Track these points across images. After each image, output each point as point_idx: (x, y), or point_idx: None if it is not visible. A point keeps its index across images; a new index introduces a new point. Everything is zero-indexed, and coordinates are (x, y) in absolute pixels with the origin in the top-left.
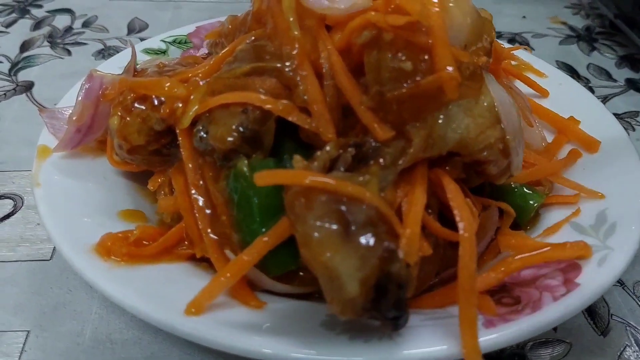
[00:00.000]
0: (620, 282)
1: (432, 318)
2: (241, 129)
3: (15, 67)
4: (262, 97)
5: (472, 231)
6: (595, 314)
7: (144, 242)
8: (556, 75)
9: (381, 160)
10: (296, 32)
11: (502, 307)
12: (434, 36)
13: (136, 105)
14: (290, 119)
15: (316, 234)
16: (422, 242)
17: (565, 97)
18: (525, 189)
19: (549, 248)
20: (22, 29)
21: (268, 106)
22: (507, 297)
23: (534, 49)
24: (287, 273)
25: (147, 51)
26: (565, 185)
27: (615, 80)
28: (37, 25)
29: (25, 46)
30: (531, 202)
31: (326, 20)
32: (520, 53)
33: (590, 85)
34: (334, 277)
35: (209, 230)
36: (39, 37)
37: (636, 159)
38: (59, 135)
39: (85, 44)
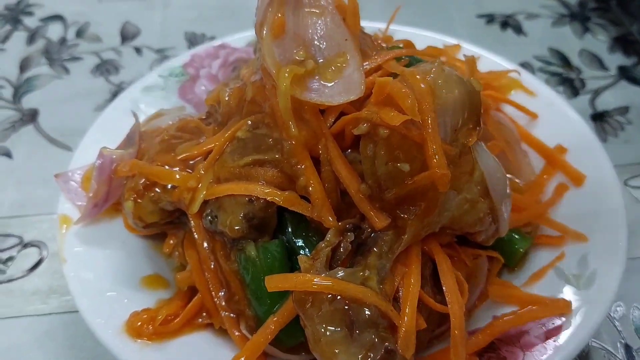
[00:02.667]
0: None
1: None
2: (248, 218)
3: (18, 92)
4: (266, 190)
5: (462, 310)
6: None
7: (169, 317)
8: (545, 94)
9: (377, 249)
10: (294, 131)
11: None
12: (426, 132)
13: (147, 189)
14: (293, 209)
15: (325, 334)
16: (418, 318)
17: (554, 120)
18: (513, 235)
19: (532, 308)
20: (18, 44)
21: (272, 198)
22: (494, 357)
23: (527, 34)
24: (298, 344)
25: (146, 89)
26: (552, 227)
27: (606, 69)
28: (32, 38)
29: (24, 66)
30: (518, 246)
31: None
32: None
33: (581, 77)
34: None
35: (224, 304)
36: (36, 54)
37: (618, 194)
38: (75, 199)
39: (81, 58)
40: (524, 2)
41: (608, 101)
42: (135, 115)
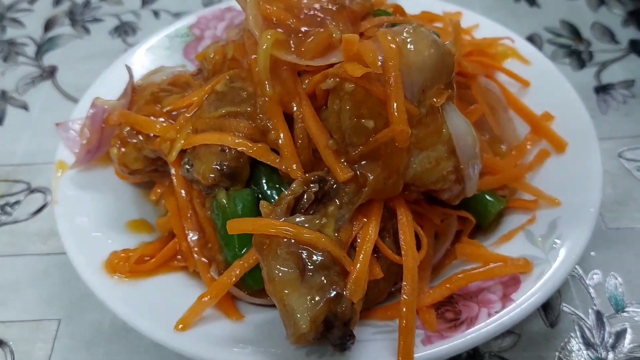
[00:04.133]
0: (576, 274)
1: (381, 332)
2: (220, 166)
3: (41, 50)
4: (237, 140)
5: (415, 262)
6: (546, 304)
7: (145, 257)
8: (540, 63)
9: (338, 200)
10: (269, 90)
11: (443, 322)
12: (389, 89)
13: (132, 137)
14: (262, 160)
15: (277, 275)
16: (375, 266)
17: (546, 89)
18: (486, 196)
19: (492, 265)
20: (45, 5)
21: (242, 149)
22: (450, 310)
23: (540, 5)
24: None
25: (152, 49)
26: (526, 191)
27: (617, 42)
28: (58, 1)
29: (48, 26)
30: (491, 208)
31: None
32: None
33: (590, 50)
34: (290, 313)
35: (197, 249)
36: (61, 15)
37: (597, 163)
38: (73, 147)
39: (102, 20)
40: None
41: (614, 74)
42: (128, 68)
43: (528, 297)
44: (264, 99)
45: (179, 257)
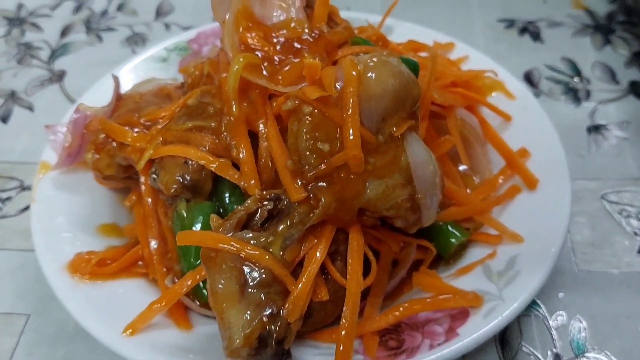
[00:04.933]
0: (540, 313)
1: (323, 354)
2: (182, 178)
3: (54, 54)
4: (200, 153)
5: (358, 288)
6: (506, 342)
7: (108, 260)
8: (524, 97)
9: (289, 219)
10: (235, 110)
11: (384, 349)
12: (346, 114)
13: (106, 144)
14: (222, 175)
15: (219, 288)
16: (322, 288)
17: (526, 125)
18: (449, 227)
19: (441, 297)
20: (65, 13)
21: (204, 163)
22: (394, 339)
23: (544, 41)
24: None
25: (149, 60)
26: (490, 225)
27: (617, 83)
28: (78, 8)
29: (64, 32)
30: (452, 240)
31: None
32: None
33: (588, 88)
34: (226, 327)
35: (157, 258)
36: (78, 22)
37: (566, 203)
38: (58, 149)
39: (115, 30)
40: (550, 10)
41: (609, 114)
42: (114, 77)
43: (472, 332)
44: (229, 118)
45: (141, 263)
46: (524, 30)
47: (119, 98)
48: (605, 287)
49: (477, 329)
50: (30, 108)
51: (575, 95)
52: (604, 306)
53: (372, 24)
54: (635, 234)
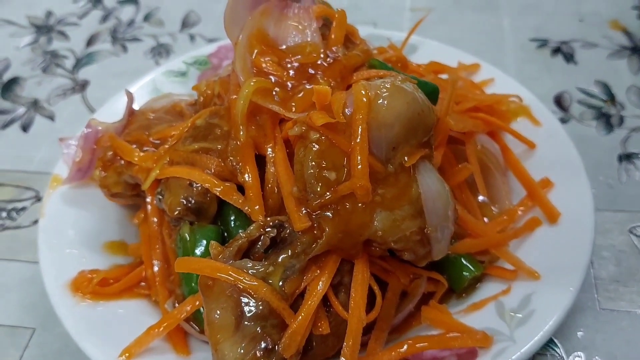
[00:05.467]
0: (557, 354)
1: None
2: (187, 200)
3: (79, 63)
4: (204, 176)
5: (359, 324)
6: None
7: (110, 280)
8: (551, 124)
9: (291, 249)
10: (242, 134)
11: None
12: (354, 141)
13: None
14: (226, 199)
15: (215, 318)
16: (324, 321)
17: (551, 153)
18: (462, 260)
19: (449, 335)
20: (92, 22)
21: (209, 186)
22: None
23: (577, 62)
24: None
25: (168, 74)
26: (506, 259)
27: None
28: (106, 17)
29: (91, 41)
30: (465, 273)
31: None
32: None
33: (622, 114)
34: (220, 358)
35: (159, 280)
36: (104, 32)
37: (588, 240)
38: (70, 163)
39: (140, 40)
40: (586, 29)
41: None
42: (127, 93)
43: None
44: (236, 142)
45: (144, 284)
46: (557, 50)
47: (131, 114)
48: (629, 327)
49: None
50: (51, 118)
51: (607, 120)
52: (625, 348)
53: (393, 44)
54: None
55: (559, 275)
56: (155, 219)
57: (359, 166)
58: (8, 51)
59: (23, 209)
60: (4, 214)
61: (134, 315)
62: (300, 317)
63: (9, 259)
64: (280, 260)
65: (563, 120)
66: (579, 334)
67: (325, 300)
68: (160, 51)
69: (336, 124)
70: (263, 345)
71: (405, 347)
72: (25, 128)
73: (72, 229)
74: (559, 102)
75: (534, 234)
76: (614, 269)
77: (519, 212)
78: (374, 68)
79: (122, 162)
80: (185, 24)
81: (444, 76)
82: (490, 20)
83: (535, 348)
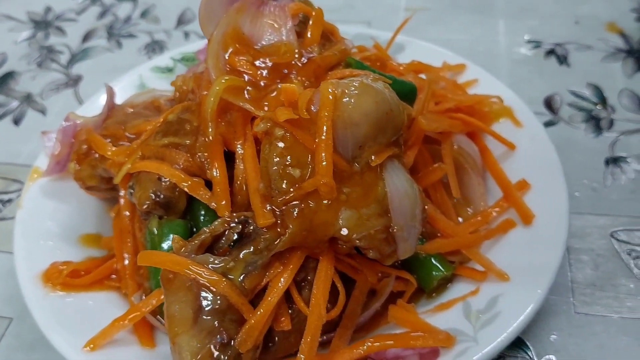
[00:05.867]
0: (528, 356)
1: None
2: (155, 195)
3: (74, 59)
4: (173, 172)
5: (319, 321)
6: None
7: (82, 272)
8: (533, 126)
9: (254, 245)
10: (210, 131)
11: None
12: (319, 139)
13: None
14: (193, 194)
15: (175, 311)
16: (285, 317)
17: (530, 155)
18: (433, 260)
19: (411, 334)
20: (90, 18)
21: (176, 181)
22: None
23: (570, 65)
24: None
25: (155, 69)
26: (476, 260)
27: None
28: (103, 14)
29: (86, 37)
30: (435, 273)
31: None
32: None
33: (612, 117)
34: (177, 352)
35: (129, 273)
36: (100, 28)
37: (560, 242)
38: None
39: (135, 36)
40: (581, 32)
41: (631, 146)
42: (107, 87)
43: None
44: (205, 138)
45: (115, 276)
46: (550, 52)
47: (111, 108)
48: (602, 332)
49: None
50: (43, 112)
51: (597, 123)
52: (598, 353)
53: (378, 43)
54: None
55: (529, 277)
56: (128, 213)
57: (323, 163)
58: (6, 46)
59: (9, 200)
60: None
61: (103, 307)
62: (259, 313)
63: None
64: (242, 255)
65: (552, 123)
66: (552, 337)
67: (289, 297)
68: (154, 48)
69: (301, 121)
70: (219, 339)
71: (367, 345)
72: (17, 121)
73: (49, 221)
74: (549, 104)
75: (507, 235)
76: (591, 273)
77: (494, 214)
78: (350, 67)
79: (97, 155)
80: (181, 21)
81: (424, 77)
82: (485, 21)
83: (498, 349)
